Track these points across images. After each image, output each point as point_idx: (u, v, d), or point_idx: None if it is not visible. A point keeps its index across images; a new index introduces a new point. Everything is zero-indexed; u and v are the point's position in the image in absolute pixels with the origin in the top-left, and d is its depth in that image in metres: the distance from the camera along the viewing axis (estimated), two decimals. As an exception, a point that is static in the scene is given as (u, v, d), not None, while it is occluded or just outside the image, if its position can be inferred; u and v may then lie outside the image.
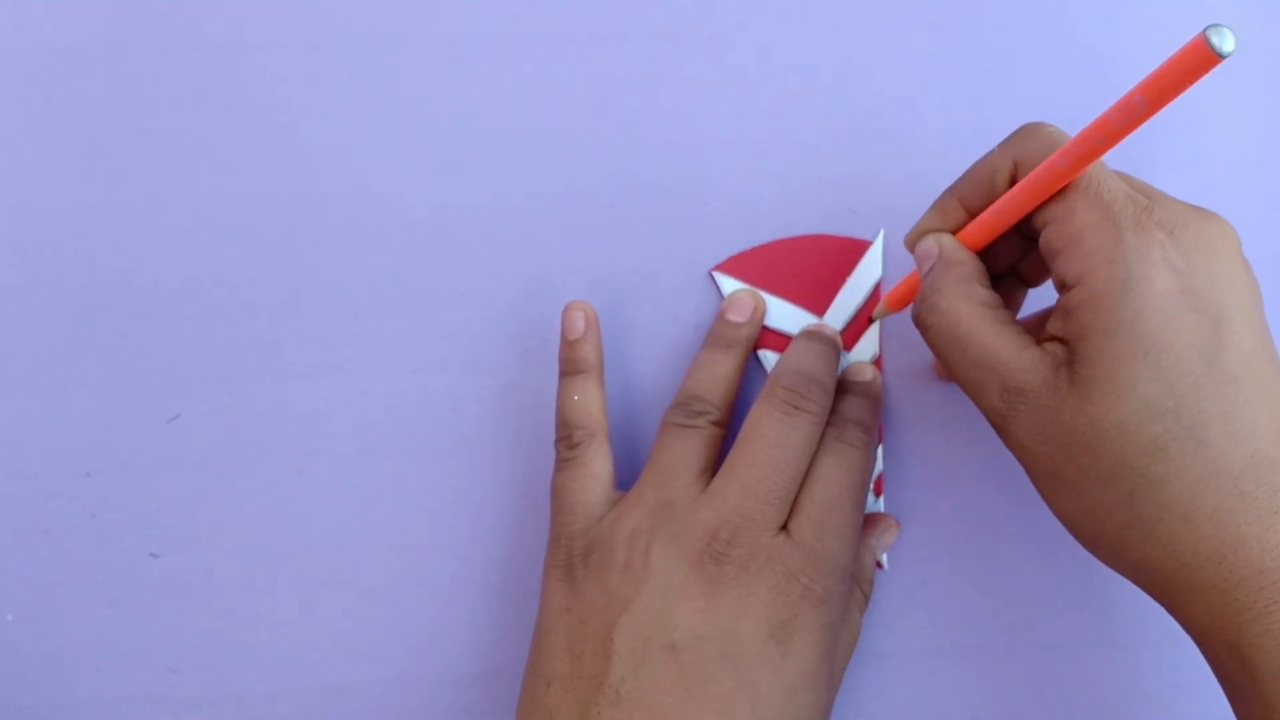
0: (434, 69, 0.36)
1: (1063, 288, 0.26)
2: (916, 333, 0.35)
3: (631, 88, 0.36)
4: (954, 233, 0.30)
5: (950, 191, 0.30)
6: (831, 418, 0.32)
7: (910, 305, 0.32)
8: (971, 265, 0.29)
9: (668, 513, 0.30)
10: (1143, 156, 0.36)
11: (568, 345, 0.33)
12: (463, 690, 0.34)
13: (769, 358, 0.35)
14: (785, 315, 0.35)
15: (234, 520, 0.34)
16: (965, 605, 0.35)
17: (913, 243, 0.31)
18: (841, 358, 0.35)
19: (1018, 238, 0.30)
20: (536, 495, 0.34)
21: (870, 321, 0.35)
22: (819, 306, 0.35)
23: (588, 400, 0.32)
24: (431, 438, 0.35)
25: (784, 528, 0.30)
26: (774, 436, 0.30)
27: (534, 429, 0.35)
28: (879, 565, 0.35)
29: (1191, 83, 0.21)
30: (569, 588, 0.30)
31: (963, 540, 0.35)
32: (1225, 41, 0.20)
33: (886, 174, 0.36)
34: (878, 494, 0.35)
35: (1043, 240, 0.27)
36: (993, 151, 0.29)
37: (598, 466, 0.32)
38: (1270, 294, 0.28)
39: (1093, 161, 0.25)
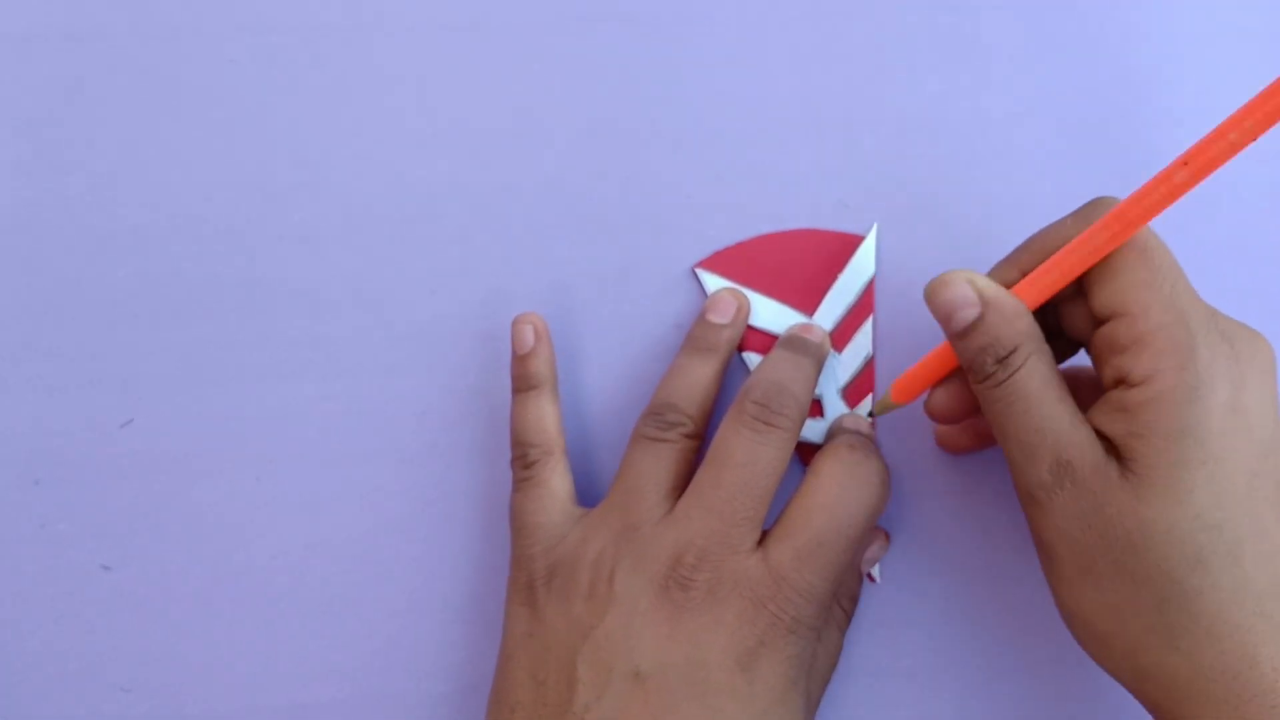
0: (400, 55, 0.36)
1: (1120, 384, 0.27)
2: (911, 334, 0.34)
3: (608, 73, 0.36)
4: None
5: (1009, 261, 0.29)
6: (849, 435, 0.31)
7: (912, 398, 0.32)
8: (1031, 320, 0.28)
9: (632, 536, 0.29)
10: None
11: (518, 360, 0.32)
12: (431, 710, 0.33)
13: (754, 360, 0.34)
14: (772, 314, 0.34)
15: (190, 531, 0.34)
16: (961, 621, 0.34)
17: (941, 293, 0.29)
18: (833, 359, 0.34)
19: (1052, 323, 0.30)
20: (508, 506, 0.33)
21: (870, 416, 0.34)
22: (808, 305, 0.35)
23: (542, 417, 0.32)
24: (398, 443, 0.34)
25: (761, 543, 0.29)
26: (742, 455, 0.29)
27: (505, 435, 0.34)
28: (870, 579, 0.34)
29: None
30: (531, 613, 0.30)
31: (958, 553, 0.34)
32: None
33: (880, 165, 0.35)
34: None
35: (1105, 333, 0.27)
36: (1063, 221, 0.29)
37: (555, 485, 0.31)
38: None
39: (1163, 207, 0.25)
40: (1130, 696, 0.28)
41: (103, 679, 0.33)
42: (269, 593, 0.34)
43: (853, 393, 0.34)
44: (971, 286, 0.28)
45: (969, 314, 0.28)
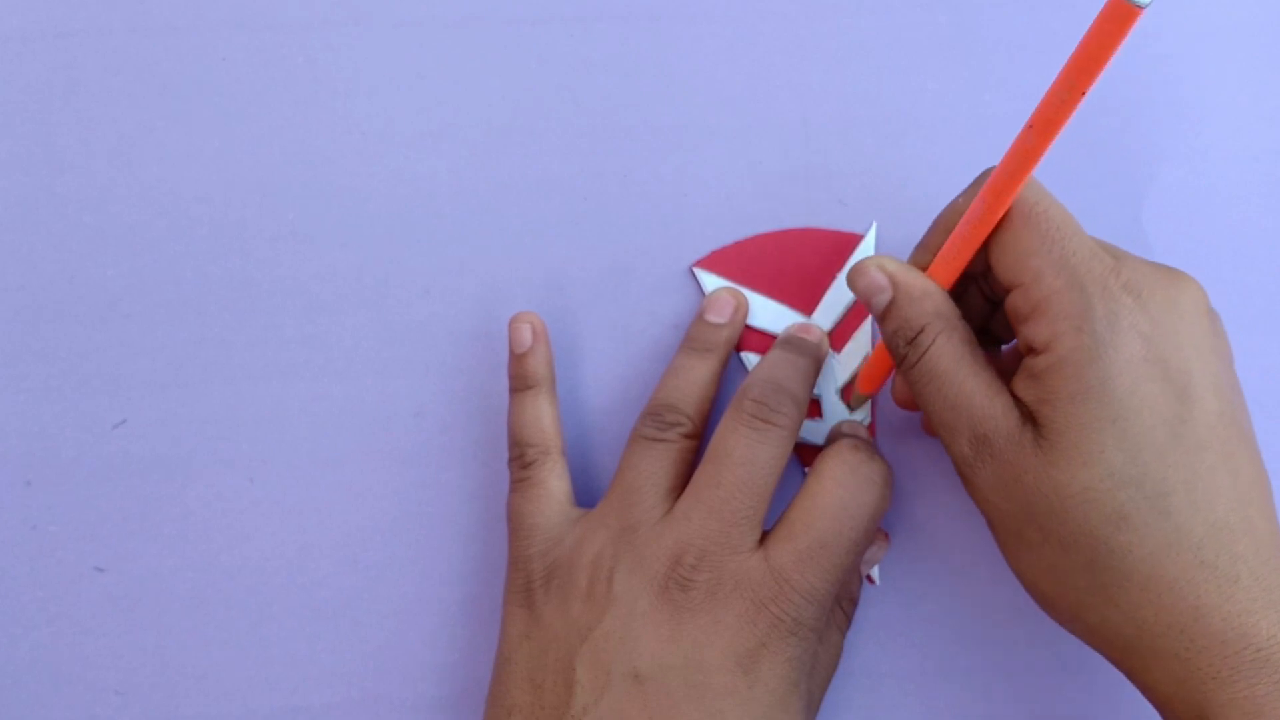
0: (395, 52, 0.35)
1: (1029, 352, 0.27)
2: None
3: (606, 71, 0.35)
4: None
5: (920, 245, 0.30)
6: (850, 438, 0.31)
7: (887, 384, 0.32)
8: (941, 295, 0.28)
9: (631, 537, 0.29)
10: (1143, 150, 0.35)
11: (515, 360, 0.32)
12: (428, 714, 0.33)
13: (752, 360, 0.34)
14: (770, 314, 0.34)
15: (183, 533, 0.33)
16: (962, 623, 0.34)
17: (857, 282, 0.29)
18: (832, 359, 0.34)
19: (982, 299, 0.30)
20: (506, 506, 0.33)
21: (849, 405, 0.34)
22: (807, 305, 0.34)
23: (539, 417, 0.32)
24: (393, 444, 0.34)
25: (762, 542, 0.29)
26: (740, 454, 0.29)
27: (503, 435, 0.34)
28: (870, 580, 0.34)
29: (1116, 44, 0.20)
30: (528, 614, 0.30)
31: (959, 553, 0.34)
32: None
33: (880, 163, 0.35)
34: None
35: (1009, 304, 0.27)
36: (956, 198, 0.29)
37: (553, 485, 0.31)
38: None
39: (1043, 150, 0.24)
40: (1131, 699, 0.28)
41: (95, 682, 0.33)
42: (262, 595, 0.33)
43: (851, 393, 0.34)
44: (882, 271, 0.28)
45: (882, 299, 0.28)
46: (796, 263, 0.34)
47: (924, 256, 0.30)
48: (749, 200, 0.35)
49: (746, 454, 0.29)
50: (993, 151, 0.34)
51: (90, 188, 0.35)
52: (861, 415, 0.34)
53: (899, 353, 0.28)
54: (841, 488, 0.29)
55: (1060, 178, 0.34)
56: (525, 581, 0.30)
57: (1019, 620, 0.34)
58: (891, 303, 0.28)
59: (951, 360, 0.27)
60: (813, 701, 0.30)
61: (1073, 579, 0.26)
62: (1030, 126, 0.24)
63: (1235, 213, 0.35)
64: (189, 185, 0.35)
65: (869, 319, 0.34)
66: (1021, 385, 0.27)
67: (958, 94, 0.35)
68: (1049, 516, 0.26)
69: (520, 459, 0.32)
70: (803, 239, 0.34)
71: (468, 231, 0.35)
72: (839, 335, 0.34)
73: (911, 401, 0.31)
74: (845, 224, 0.35)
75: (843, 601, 0.32)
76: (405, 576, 0.33)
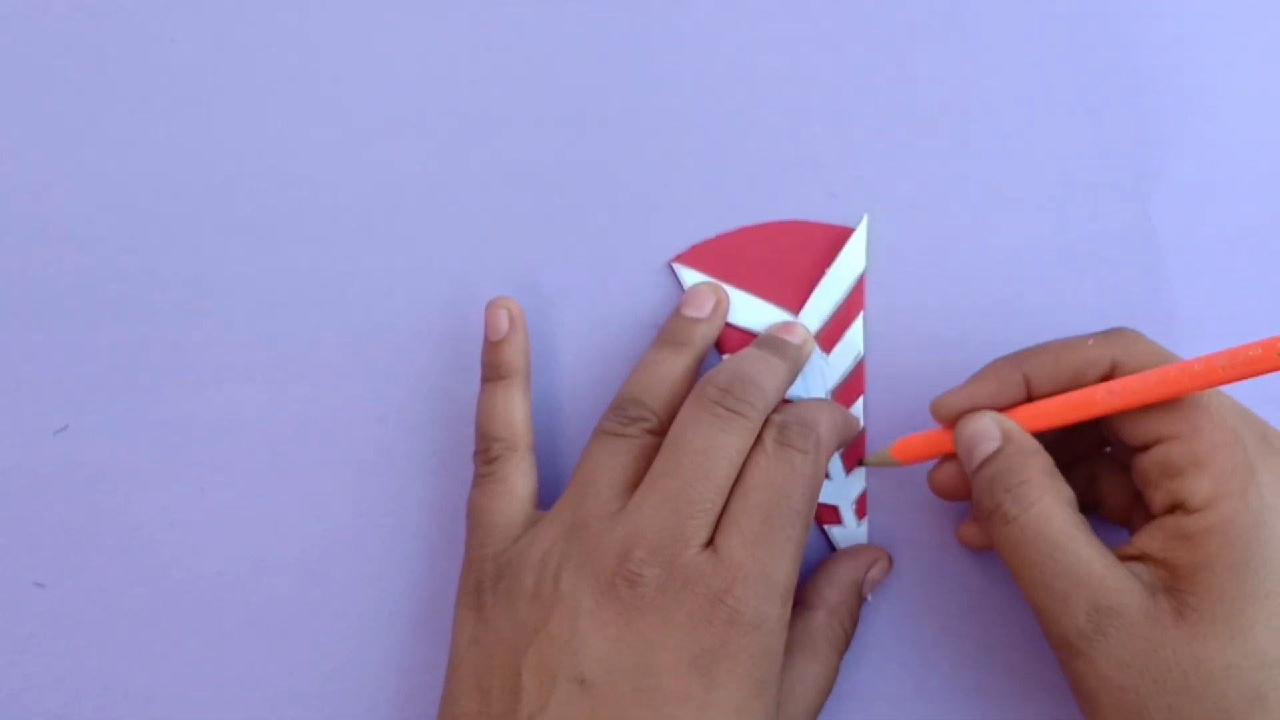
0: (355, 35, 0.35)
1: (1177, 509, 0.26)
2: (903, 333, 0.35)
3: (580, 54, 0.35)
4: (1003, 409, 0.29)
5: (1013, 363, 0.29)
6: (772, 416, 0.30)
7: (922, 469, 0.31)
8: (1048, 458, 0.28)
9: (581, 533, 0.29)
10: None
11: (490, 347, 0.32)
12: None
13: None
14: (754, 312, 0.34)
15: (130, 546, 0.33)
16: (959, 643, 0.33)
17: (953, 414, 0.30)
18: (821, 361, 0.33)
19: (1092, 436, 0.30)
20: (467, 500, 0.33)
21: (860, 463, 0.33)
22: (793, 302, 0.34)
23: (510, 409, 0.31)
24: (354, 452, 0.34)
25: (710, 542, 0.28)
26: (700, 441, 0.28)
27: (469, 442, 0.33)
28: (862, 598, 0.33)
29: None
30: (477, 617, 0.29)
31: (956, 570, 0.33)
32: None
33: (871, 153, 0.34)
34: (860, 516, 0.33)
35: (1157, 457, 0.27)
36: (1087, 342, 0.29)
37: (517, 483, 0.31)
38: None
39: (1234, 380, 0.25)
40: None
41: (35, 705, 0.33)
42: (215, 612, 0.33)
43: (843, 395, 0.33)
44: (997, 423, 0.28)
45: (988, 447, 0.28)
46: (782, 258, 0.34)
47: (1012, 376, 0.29)
48: (732, 191, 0.34)
49: (707, 441, 0.28)
50: (989, 141, 0.34)
51: (28, 178, 0.34)
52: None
53: (994, 500, 0.28)
54: (767, 459, 0.28)
55: (1068, 173, 0.34)
56: (477, 583, 0.30)
57: (1021, 640, 0.33)
58: (998, 452, 0.28)
59: (1063, 523, 0.27)
60: (793, 715, 0.29)
61: None
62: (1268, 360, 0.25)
63: (1245, 207, 0.35)
64: (135, 175, 0.34)
65: (859, 319, 0.33)
66: (1164, 545, 0.26)
67: (952, 82, 0.35)
68: (1181, 694, 0.25)
69: (485, 453, 0.31)
70: (789, 232, 0.34)
71: (434, 225, 0.34)
72: (828, 335, 0.33)
73: (952, 493, 0.31)
74: (835, 217, 0.34)
75: (842, 619, 0.31)
76: (367, 592, 0.33)
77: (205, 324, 0.34)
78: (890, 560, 0.33)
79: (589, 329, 0.34)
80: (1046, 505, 0.27)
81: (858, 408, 0.33)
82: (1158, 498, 0.27)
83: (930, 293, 0.33)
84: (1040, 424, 0.28)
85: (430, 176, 0.34)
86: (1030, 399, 0.29)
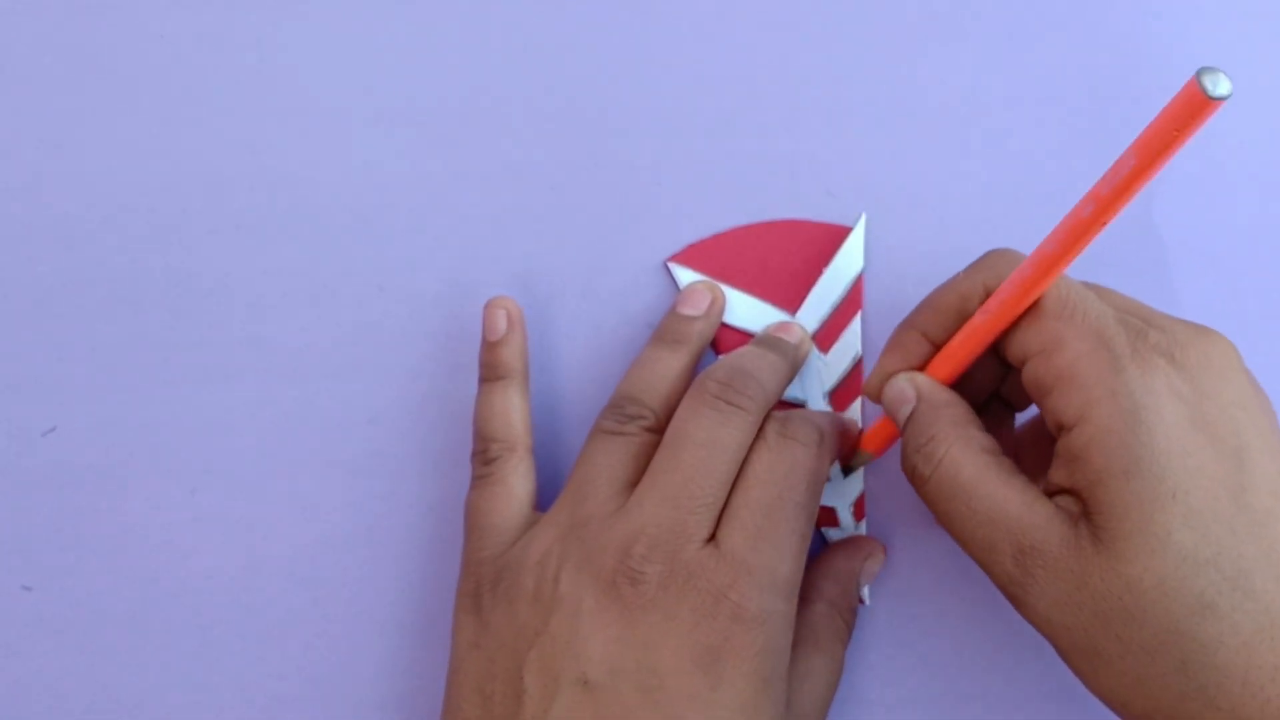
0: (347, 27, 0.35)
1: (1060, 429, 0.25)
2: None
3: (575, 50, 0.35)
4: (920, 369, 0.29)
5: (908, 325, 0.29)
6: (774, 411, 0.30)
7: (892, 451, 0.31)
8: (961, 407, 0.28)
9: (580, 532, 0.28)
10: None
11: (488, 348, 0.32)
12: None
13: None
14: (750, 312, 0.33)
15: (119, 549, 0.33)
16: (959, 646, 0.33)
17: (876, 389, 0.30)
18: (819, 361, 0.33)
19: (994, 362, 0.29)
20: (465, 502, 0.33)
21: (846, 471, 0.33)
22: (790, 302, 0.34)
23: (508, 410, 0.31)
24: (346, 453, 0.33)
25: (712, 538, 0.28)
26: (700, 435, 0.28)
27: (462, 443, 0.33)
28: (861, 601, 0.33)
29: (1187, 135, 0.20)
30: (476, 620, 0.29)
31: (956, 572, 0.33)
32: (1219, 85, 0.20)
33: (869, 151, 0.35)
34: (859, 518, 0.33)
35: (1028, 377, 0.26)
36: (957, 277, 0.28)
37: (515, 485, 0.31)
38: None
39: (1078, 250, 0.24)
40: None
41: (23, 710, 0.32)
42: (205, 616, 0.33)
43: (840, 396, 0.33)
44: (912, 383, 0.28)
45: (905, 410, 0.28)
46: (779, 257, 0.34)
47: (911, 336, 0.29)
48: (729, 190, 0.34)
49: (708, 435, 0.28)
50: (987, 139, 0.34)
51: (16, 176, 0.34)
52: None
53: (910, 463, 0.27)
54: (769, 452, 0.28)
55: (1067, 173, 0.34)
56: (475, 586, 0.29)
57: (1023, 643, 0.33)
58: (914, 412, 0.28)
59: (973, 470, 0.26)
60: (803, 712, 0.29)
61: (1165, 687, 0.24)
62: (1089, 209, 0.23)
63: (1245, 207, 0.35)
64: (124, 173, 0.34)
65: (858, 317, 0.33)
66: (1062, 472, 0.25)
67: (950, 79, 0.35)
68: (1126, 622, 0.24)
69: (483, 454, 0.31)
70: (786, 231, 0.34)
71: (426, 223, 0.34)
72: (826, 335, 0.33)
73: None
74: (832, 216, 0.34)
75: (843, 611, 0.31)
76: (359, 596, 0.33)
77: (194, 324, 0.34)
78: (884, 551, 0.33)
79: (584, 329, 0.34)
80: (955, 456, 0.26)
81: (855, 409, 0.33)
82: (1047, 421, 0.26)
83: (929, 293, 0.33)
84: (945, 371, 0.28)
85: (424, 175, 0.34)
86: (938, 351, 0.29)
